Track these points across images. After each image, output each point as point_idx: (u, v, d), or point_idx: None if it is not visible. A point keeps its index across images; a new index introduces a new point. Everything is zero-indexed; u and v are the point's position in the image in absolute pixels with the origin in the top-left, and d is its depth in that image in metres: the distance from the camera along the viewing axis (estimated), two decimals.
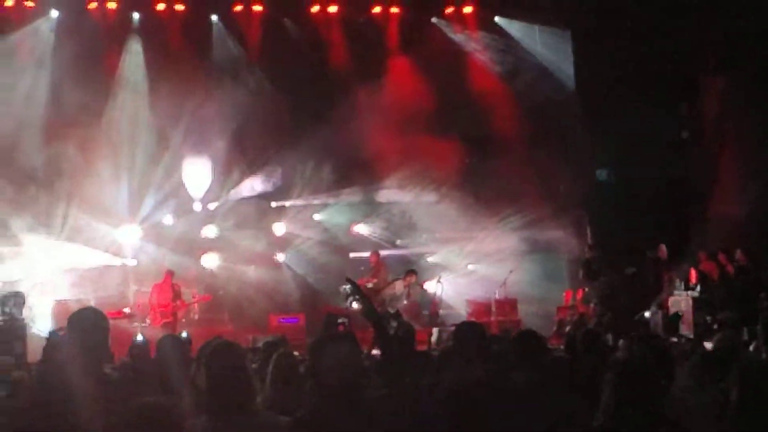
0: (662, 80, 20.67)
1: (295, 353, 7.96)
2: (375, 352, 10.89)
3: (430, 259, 22.98)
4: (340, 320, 18.56)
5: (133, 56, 21.93)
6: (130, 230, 21.74)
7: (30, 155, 20.43)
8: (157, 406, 4.45)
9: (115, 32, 21.84)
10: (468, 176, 22.61)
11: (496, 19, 23.49)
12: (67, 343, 5.13)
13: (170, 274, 19.20)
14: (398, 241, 23.56)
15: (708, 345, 7.87)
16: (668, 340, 13.37)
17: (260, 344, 12.99)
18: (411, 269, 20.30)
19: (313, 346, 5.44)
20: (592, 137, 21.44)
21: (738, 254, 18.90)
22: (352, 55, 22.61)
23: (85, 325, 5.03)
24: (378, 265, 21.21)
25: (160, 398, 4.55)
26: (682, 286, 18.66)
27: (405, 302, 19.41)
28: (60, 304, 19.05)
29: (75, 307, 18.08)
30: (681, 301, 18.26)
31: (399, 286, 19.37)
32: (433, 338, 18.38)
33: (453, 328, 19.39)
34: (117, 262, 21.57)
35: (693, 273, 18.87)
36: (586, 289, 19.16)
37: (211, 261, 22.33)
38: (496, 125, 22.31)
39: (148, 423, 4.33)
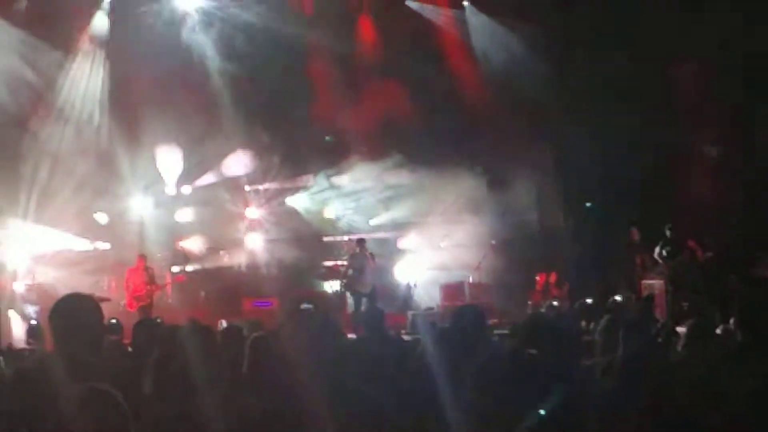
0: (635, 67, 20.63)
1: None
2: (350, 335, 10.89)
3: (399, 245, 22.76)
4: (303, 306, 18.32)
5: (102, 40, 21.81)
6: (102, 214, 21.66)
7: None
8: (102, 392, 4.26)
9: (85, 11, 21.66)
10: (441, 157, 22.54)
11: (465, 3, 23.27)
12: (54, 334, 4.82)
13: (143, 258, 19.08)
14: (370, 222, 23.45)
15: (681, 329, 7.90)
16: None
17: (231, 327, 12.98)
18: (359, 238, 20.16)
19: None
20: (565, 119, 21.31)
21: (707, 239, 18.99)
22: (325, 35, 22.34)
23: (73, 314, 4.79)
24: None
25: (104, 385, 4.32)
26: (654, 270, 18.80)
27: (367, 272, 19.04)
28: (31, 288, 19.03)
29: (47, 290, 18.07)
30: (654, 284, 18.39)
31: (353, 262, 19.20)
32: (408, 322, 18.38)
33: (427, 312, 19.43)
34: (90, 246, 21.48)
35: None
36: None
37: (185, 245, 22.29)
38: (470, 107, 22.26)
39: (92, 408, 4.19)
